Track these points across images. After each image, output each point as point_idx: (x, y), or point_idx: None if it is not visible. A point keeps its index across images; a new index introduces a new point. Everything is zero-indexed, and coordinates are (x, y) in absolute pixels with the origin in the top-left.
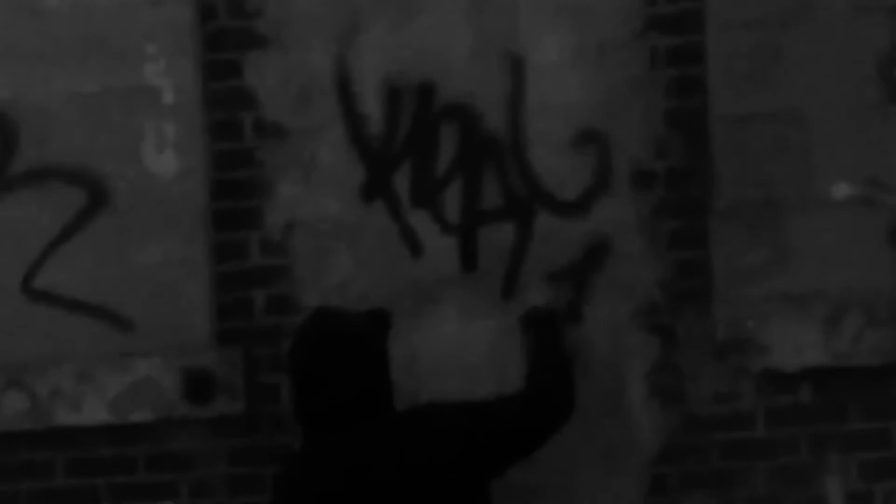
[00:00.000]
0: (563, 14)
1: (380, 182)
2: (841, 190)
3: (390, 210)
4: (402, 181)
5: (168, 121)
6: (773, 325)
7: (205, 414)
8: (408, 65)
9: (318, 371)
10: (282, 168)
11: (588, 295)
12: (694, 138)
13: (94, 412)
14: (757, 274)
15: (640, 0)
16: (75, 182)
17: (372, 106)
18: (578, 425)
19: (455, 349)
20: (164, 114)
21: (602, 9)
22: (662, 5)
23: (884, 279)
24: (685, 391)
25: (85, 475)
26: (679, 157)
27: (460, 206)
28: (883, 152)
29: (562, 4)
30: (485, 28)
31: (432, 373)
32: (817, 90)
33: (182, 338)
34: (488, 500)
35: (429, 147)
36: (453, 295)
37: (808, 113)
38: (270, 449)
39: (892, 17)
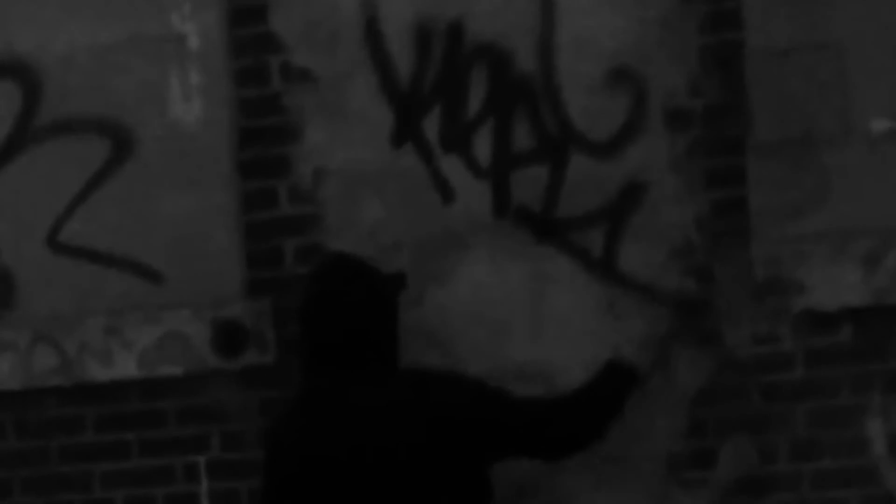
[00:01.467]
0: None
1: (409, 126)
2: (880, 124)
3: (421, 155)
4: (432, 125)
5: (193, 68)
6: (812, 264)
7: (235, 366)
8: (436, 5)
9: (329, 302)
10: (309, 114)
11: (623, 237)
12: (729, 74)
13: (124, 366)
14: (795, 212)
15: None
16: (100, 132)
17: (400, 48)
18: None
19: (488, 295)
20: (190, 61)
21: None
22: None
23: None
24: (723, 333)
25: (115, 430)
26: (714, 95)
27: (492, 150)
28: None
29: None
30: None
31: (465, 320)
32: (856, 22)
33: (211, 289)
34: (485, 482)
35: (459, 89)
36: (486, 240)
37: (846, 46)
38: None
39: None
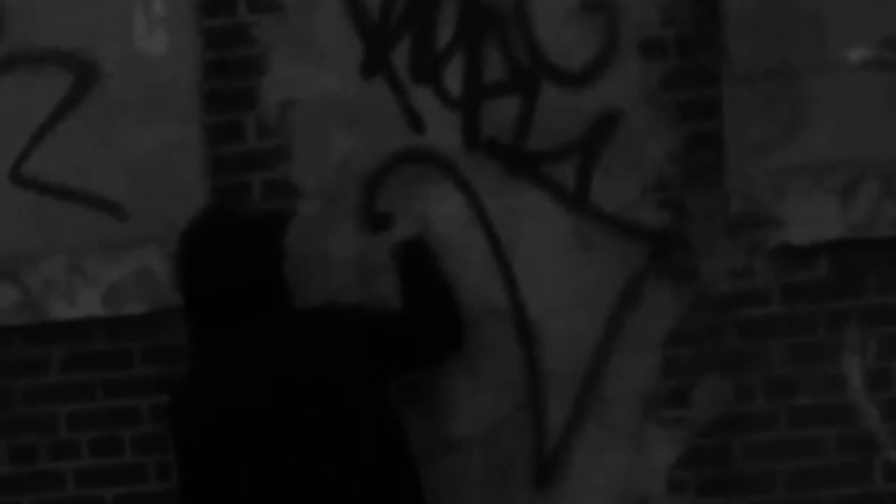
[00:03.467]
0: None
1: (379, 57)
2: (857, 54)
3: (391, 86)
4: (401, 56)
5: None
6: (788, 198)
7: None
8: None
9: (207, 257)
10: (277, 45)
11: (595, 170)
12: (703, 3)
13: (88, 304)
14: (771, 145)
15: None
16: (62, 65)
17: None
18: (588, 309)
19: (459, 229)
20: None
21: None
22: None
23: None
24: (698, 268)
25: (81, 370)
26: (688, 24)
27: (463, 80)
28: None
29: None
30: None
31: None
32: None
33: (177, 225)
34: (388, 409)
35: (429, 19)
36: (457, 173)
37: None
38: None
39: None
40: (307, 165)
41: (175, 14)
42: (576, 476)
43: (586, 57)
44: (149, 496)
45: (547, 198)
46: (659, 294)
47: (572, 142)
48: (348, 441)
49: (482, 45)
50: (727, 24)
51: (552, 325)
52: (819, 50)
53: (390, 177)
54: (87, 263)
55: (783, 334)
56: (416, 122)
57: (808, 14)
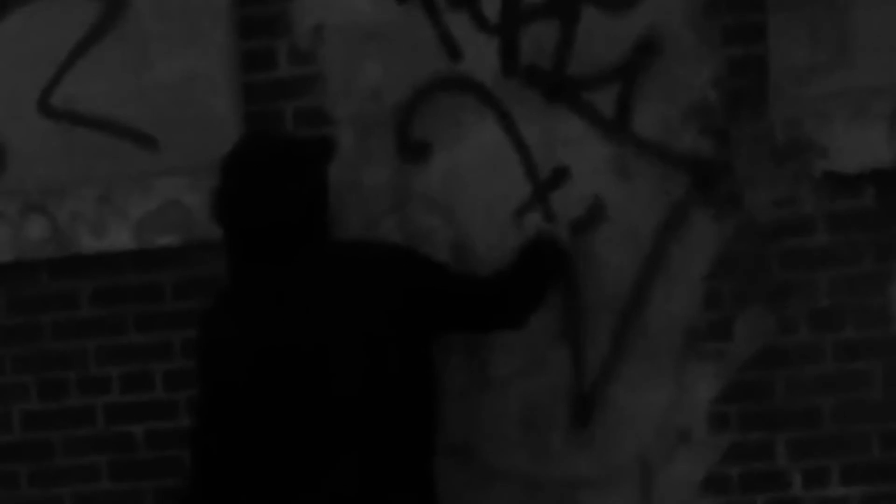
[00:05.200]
0: None
1: None
2: None
3: (426, 10)
4: None
5: None
6: (834, 125)
7: None
8: None
9: (254, 187)
10: None
11: (637, 94)
12: None
13: (117, 237)
14: (817, 70)
15: None
16: None
17: None
18: (628, 240)
19: (497, 158)
20: None
21: None
22: None
23: None
24: (741, 197)
25: (111, 304)
26: None
27: (500, 5)
28: None
29: None
30: None
31: (471, 185)
32: None
33: (208, 155)
34: (428, 359)
35: None
36: (494, 100)
37: None
38: None
39: None
40: (340, 93)
41: None
42: (615, 412)
43: None
44: (180, 432)
45: (586, 125)
46: (701, 224)
47: (613, 68)
48: (380, 388)
49: None
50: None
51: (591, 257)
52: None
53: (425, 105)
54: (117, 195)
55: (828, 265)
56: (452, 49)
57: None
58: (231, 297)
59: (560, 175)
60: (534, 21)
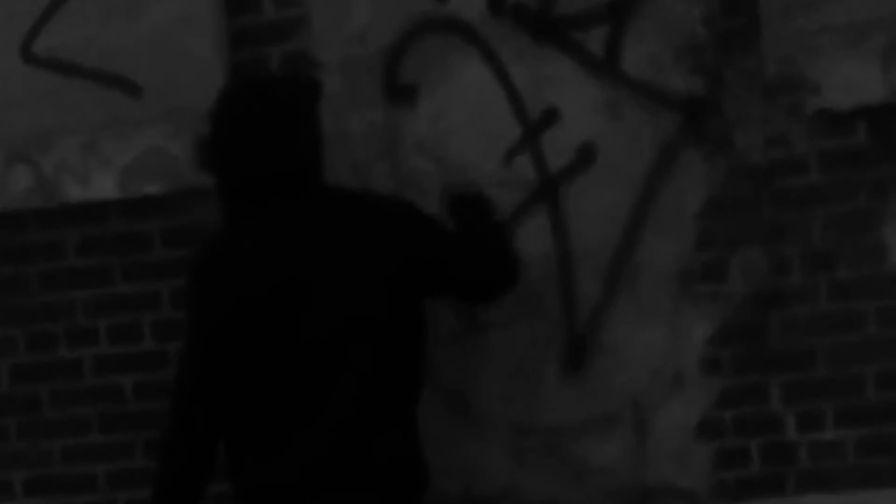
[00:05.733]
0: None
1: None
2: None
3: None
4: None
5: None
6: (826, 61)
7: None
8: None
9: (249, 133)
10: None
11: (626, 33)
12: None
13: (103, 186)
14: (809, 5)
15: None
16: None
17: None
18: (618, 180)
19: (485, 99)
20: None
21: None
22: None
23: None
24: (733, 136)
25: (97, 253)
26: None
27: None
28: None
29: None
30: None
31: (459, 126)
32: None
33: (193, 102)
34: (418, 304)
35: None
36: (481, 41)
37: None
38: None
39: None
40: (326, 37)
41: None
42: (608, 356)
43: None
44: (170, 384)
45: (575, 65)
46: (692, 164)
47: (602, 6)
48: (369, 330)
49: None
50: None
51: (581, 197)
52: None
53: (413, 47)
54: (102, 144)
55: (822, 204)
56: None
57: None
58: (227, 244)
59: (550, 117)
60: None
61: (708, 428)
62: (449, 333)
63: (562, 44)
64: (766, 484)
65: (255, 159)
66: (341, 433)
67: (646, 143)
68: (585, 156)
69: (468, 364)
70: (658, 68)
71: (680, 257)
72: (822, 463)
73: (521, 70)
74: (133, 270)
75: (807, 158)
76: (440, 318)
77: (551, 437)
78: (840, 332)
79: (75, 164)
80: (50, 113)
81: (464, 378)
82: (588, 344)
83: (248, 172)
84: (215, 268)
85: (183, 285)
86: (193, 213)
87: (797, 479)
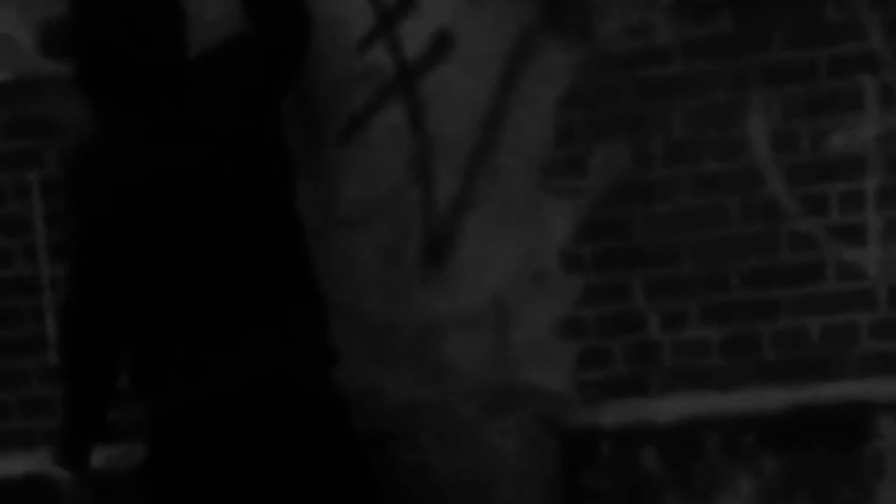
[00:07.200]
0: None
1: None
2: None
3: None
4: None
5: None
6: None
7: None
8: None
9: (116, 23)
10: None
11: None
12: None
13: None
14: None
15: None
16: None
17: None
18: (476, 68)
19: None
20: None
21: None
22: None
23: None
24: (592, 24)
25: None
26: None
27: None
28: None
29: None
30: None
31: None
32: None
33: None
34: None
35: None
36: None
37: None
38: None
39: None
40: None
41: None
42: (469, 248)
43: None
44: (17, 281)
45: None
46: (552, 53)
47: None
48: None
49: None
50: None
51: (438, 88)
52: None
53: None
54: None
55: (684, 95)
56: None
57: None
58: (102, 138)
59: (406, 5)
60: None
61: (570, 326)
62: (310, 230)
63: None
64: (630, 384)
65: (122, 44)
66: (267, 314)
67: (506, 30)
68: (442, 44)
69: (331, 263)
70: None
71: (540, 150)
72: (685, 361)
73: None
74: None
75: (669, 48)
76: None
77: (414, 335)
78: (703, 227)
79: None
80: None
81: (327, 276)
82: (447, 240)
83: (115, 59)
84: (93, 162)
85: (60, 180)
86: (38, 104)
87: (661, 379)
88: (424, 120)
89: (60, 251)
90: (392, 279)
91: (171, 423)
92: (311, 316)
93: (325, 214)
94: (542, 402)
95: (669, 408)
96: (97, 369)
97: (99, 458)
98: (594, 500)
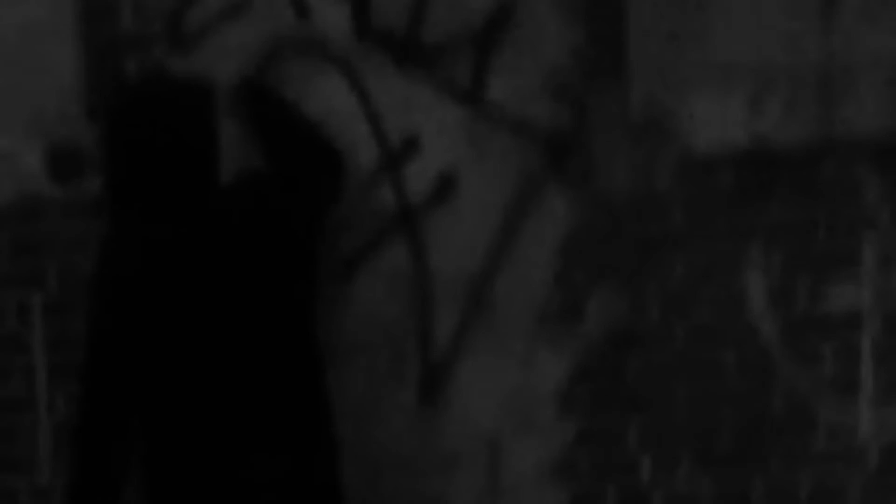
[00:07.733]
0: None
1: None
2: None
3: None
4: None
5: None
6: (692, 103)
7: (73, 194)
8: None
9: (155, 139)
10: None
11: (492, 63)
12: None
13: None
14: (677, 46)
15: None
16: None
17: None
18: (480, 210)
19: (344, 124)
20: None
21: None
22: None
23: (811, 52)
24: (597, 174)
25: None
26: None
27: None
28: None
29: None
30: None
31: None
32: None
33: (45, 109)
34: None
35: None
36: (345, 63)
37: None
38: None
39: None
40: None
41: None
42: (464, 386)
43: None
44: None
45: (440, 92)
46: (554, 199)
47: (468, 34)
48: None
49: None
50: None
51: (441, 228)
52: None
53: (273, 66)
54: None
55: (683, 247)
56: (300, 8)
57: None
58: (134, 246)
59: (411, 146)
60: None
61: (562, 469)
62: None
63: (426, 70)
64: None
65: (155, 160)
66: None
67: (508, 175)
68: (446, 186)
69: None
70: (524, 100)
71: (538, 294)
72: None
73: (384, 95)
74: None
75: (670, 200)
76: None
77: (403, 472)
78: (698, 377)
79: None
80: None
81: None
82: (442, 377)
83: (148, 174)
84: (124, 267)
85: (92, 285)
86: (42, 224)
87: None
88: (426, 257)
89: (58, 372)
90: (386, 412)
91: None
92: (321, 447)
93: (324, 343)
94: None
95: None
96: (109, 486)
97: None
98: None
